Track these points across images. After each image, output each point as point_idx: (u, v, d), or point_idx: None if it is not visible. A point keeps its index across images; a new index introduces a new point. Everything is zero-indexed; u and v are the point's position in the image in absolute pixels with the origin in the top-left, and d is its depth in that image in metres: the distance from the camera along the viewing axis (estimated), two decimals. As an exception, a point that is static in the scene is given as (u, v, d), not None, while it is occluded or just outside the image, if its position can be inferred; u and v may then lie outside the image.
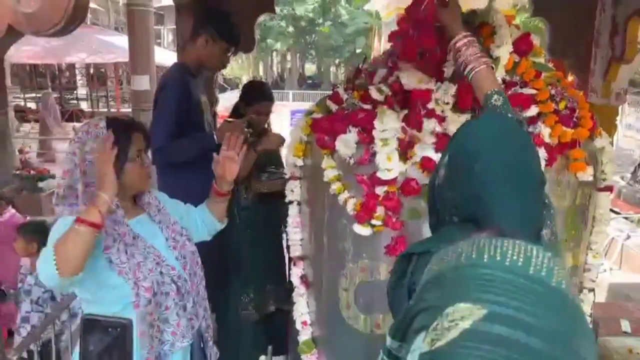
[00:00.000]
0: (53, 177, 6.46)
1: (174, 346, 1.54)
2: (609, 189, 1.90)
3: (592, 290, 2.00)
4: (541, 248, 0.66)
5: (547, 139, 1.62)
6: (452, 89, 1.57)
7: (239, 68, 27.25)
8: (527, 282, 0.61)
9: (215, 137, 2.30)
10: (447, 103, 1.59)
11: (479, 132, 1.03)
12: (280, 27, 24.83)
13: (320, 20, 25.52)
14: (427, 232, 1.71)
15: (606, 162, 1.89)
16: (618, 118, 3.33)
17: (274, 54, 30.12)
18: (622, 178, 9.36)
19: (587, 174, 1.69)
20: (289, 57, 31.07)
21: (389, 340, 0.79)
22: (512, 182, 0.96)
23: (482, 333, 0.57)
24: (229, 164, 1.77)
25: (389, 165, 1.63)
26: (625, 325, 2.85)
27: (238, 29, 2.59)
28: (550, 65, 1.77)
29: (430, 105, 1.60)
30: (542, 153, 1.60)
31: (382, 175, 1.64)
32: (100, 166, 1.42)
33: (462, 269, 0.66)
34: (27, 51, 13.49)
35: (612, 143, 3.17)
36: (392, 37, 1.72)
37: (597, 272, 1.99)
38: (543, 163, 1.61)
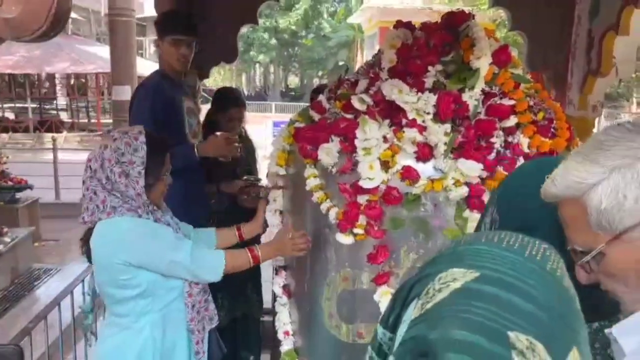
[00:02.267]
0: (31, 188, 6.36)
1: (211, 323, 1.85)
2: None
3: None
4: (539, 240, 0.62)
5: (525, 149, 1.65)
6: (433, 99, 1.59)
7: (222, 79, 27.24)
8: (523, 260, 0.58)
9: (196, 149, 2.30)
10: (428, 113, 1.61)
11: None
12: (263, 39, 24.94)
13: (303, 33, 25.69)
14: (408, 240, 1.73)
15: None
16: (594, 130, 3.40)
17: (257, 65, 30.18)
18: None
19: (564, 184, 1.72)
20: (271, 69, 31.16)
21: (380, 331, 0.73)
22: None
23: (473, 291, 0.54)
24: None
25: (371, 174, 1.65)
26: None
27: (184, 17, 2.54)
28: (529, 77, 1.81)
29: (411, 116, 1.62)
30: (521, 163, 1.63)
31: (364, 184, 1.66)
32: (294, 246, 1.79)
33: (459, 247, 0.63)
34: (6, 60, 13.35)
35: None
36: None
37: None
38: (522, 172, 1.64)
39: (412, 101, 1.61)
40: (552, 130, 1.73)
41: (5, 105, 16.92)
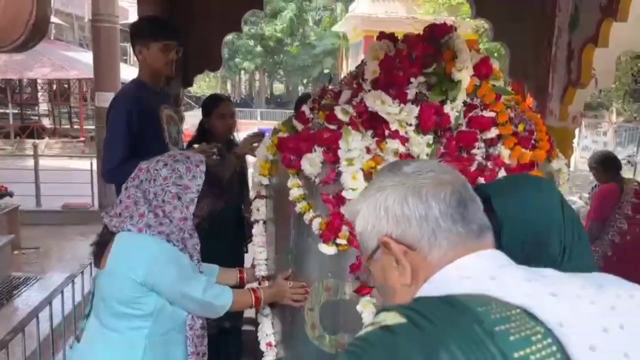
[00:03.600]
0: (11, 195, 6.27)
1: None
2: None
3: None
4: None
5: (507, 160, 1.67)
6: (415, 110, 1.61)
7: (207, 87, 27.17)
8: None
9: None
10: (410, 124, 1.62)
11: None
12: (248, 46, 24.94)
13: (289, 41, 25.75)
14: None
15: (562, 183, 1.95)
16: (575, 140, 3.45)
17: (242, 72, 30.16)
18: (580, 198, 9.68)
19: (545, 194, 1.74)
20: (257, 76, 31.16)
21: None
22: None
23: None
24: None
25: (354, 184, 1.65)
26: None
27: (169, 22, 2.56)
28: (510, 88, 1.83)
29: (394, 127, 1.63)
30: (503, 174, 1.65)
31: (347, 194, 1.66)
32: (293, 295, 1.84)
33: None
34: (-15, 66, 13.17)
35: (568, 164, 3.29)
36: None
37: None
38: (503, 183, 1.65)
39: (394, 112, 1.62)
40: (532, 141, 1.75)
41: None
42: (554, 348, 0.63)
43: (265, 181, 1.98)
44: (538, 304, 0.67)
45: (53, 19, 17.44)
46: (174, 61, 2.43)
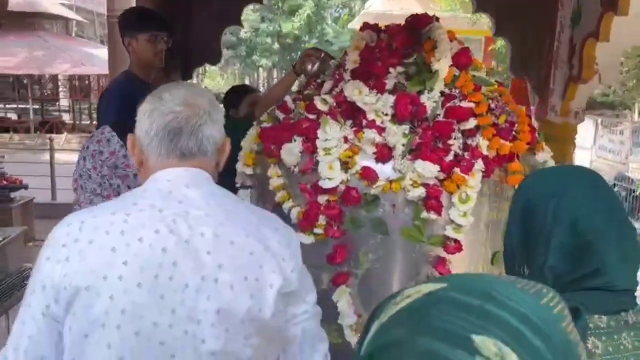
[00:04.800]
0: (26, 187, 6.39)
1: None
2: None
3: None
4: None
5: (484, 151, 1.66)
6: (391, 100, 1.60)
7: (225, 83, 27.33)
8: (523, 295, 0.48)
9: None
10: (386, 114, 1.61)
11: (573, 184, 0.95)
12: (266, 43, 25.00)
13: (306, 38, 25.76)
14: (367, 241, 1.74)
15: (548, 176, 1.93)
16: (590, 138, 3.39)
17: (260, 70, 30.27)
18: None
19: (525, 187, 1.72)
20: (274, 74, 31.25)
21: None
22: (615, 232, 0.91)
23: (440, 297, 0.47)
24: None
25: (331, 174, 1.65)
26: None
27: (155, 13, 2.52)
28: (493, 80, 1.82)
29: (370, 116, 1.63)
30: (480, 165, 1.64)
31: (324, 184, 1.66)
32: None
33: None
34: (6, 61, 13.44)
35: (571, 160, 3.25)
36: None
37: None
38: (481, 175, 1.64)
39: (371, 102, 1.62)
40: (513, 133, 1.74)
41: (8, 106, 17.01)
42: None
43: (250, 171, 2.00)
44: None
45: (74, 15, 17.76)
46: (163, 52, 2.45)
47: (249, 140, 2.01)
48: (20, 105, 16.86)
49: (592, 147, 9.20)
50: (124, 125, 2.25)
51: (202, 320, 0.95)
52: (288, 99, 1.91)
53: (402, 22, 1.91)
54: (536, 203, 0.95)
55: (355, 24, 18.02)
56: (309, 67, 2.16)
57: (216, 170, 1.10)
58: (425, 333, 0.44)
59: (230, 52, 23.13)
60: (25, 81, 17.19)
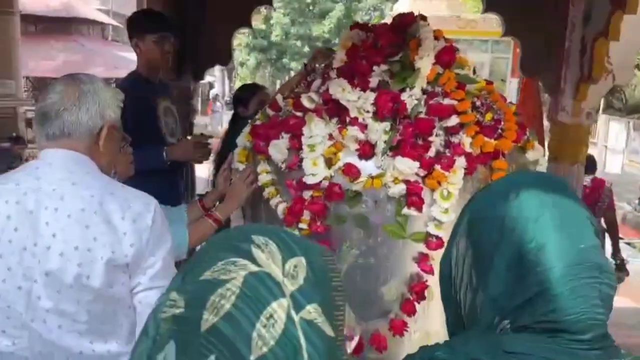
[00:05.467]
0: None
1: None
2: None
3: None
4: None
5: (468, 149, 1.66)
6: (372, 97, 1.63)
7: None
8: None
9: (165, 152, 2.35)
10: (368, 111, 1.64)
11: (534, 215, 0.74)
12: (296, 47, 25.18)
13: (337, 41, 25.81)
14: (351, 237, 1.76)
15: (540, 175, 1.91)
16: (590, 138, 3.33)
17: (291, 73, 30.53)
18: (629, 203, 9.24)
19: (510, 185, 1.71)
20: (306, 77, 31.39)
21: None
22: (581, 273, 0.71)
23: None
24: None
25: (314, 170, 1.68)
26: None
27: (163, 15, 2.59)
28: (486, 83, 1.81)
29: (353, 114, 1.66)
30: (462, 162, 1.64)
31: (307, 179, 1.70)
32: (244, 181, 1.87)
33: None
34: (46, 65, 13.93)
35: (583, 162, 3.19)
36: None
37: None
38: (462, 172, 1.65)
39: (353, 99, 1.65)
40: (499, 130, 1.73)
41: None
42: None
43: (242, 167, 2.04)
44: None
45: (110, 20, 18.27)
46: (170, 53, 2.52)
47: (243, 138, 2.05)
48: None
49: (623, 150, 8.96)
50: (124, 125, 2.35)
51: (38, 280, 1.13)
52: (279, 97, 1.95)
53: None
54: (480, 221, 0.79)
55: (384, 27, 18.01)
56: (319, 66, 2.22)
57: (100, 152, 1.25)
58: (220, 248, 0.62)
59: (261, 55, 23.39)
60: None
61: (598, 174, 4.32)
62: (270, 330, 0.55)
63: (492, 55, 13.39)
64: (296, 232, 1.75)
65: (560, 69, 3.14)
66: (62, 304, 1.14)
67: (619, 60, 3.08)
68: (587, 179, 3.72)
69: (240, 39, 24.06)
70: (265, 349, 0.54)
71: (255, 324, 0.55)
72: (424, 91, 1.67)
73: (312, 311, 0.57)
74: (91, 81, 1.24)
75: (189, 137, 2.61)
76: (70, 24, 15.75)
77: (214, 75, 21.48)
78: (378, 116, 1.63)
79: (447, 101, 1.65)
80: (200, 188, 3.40)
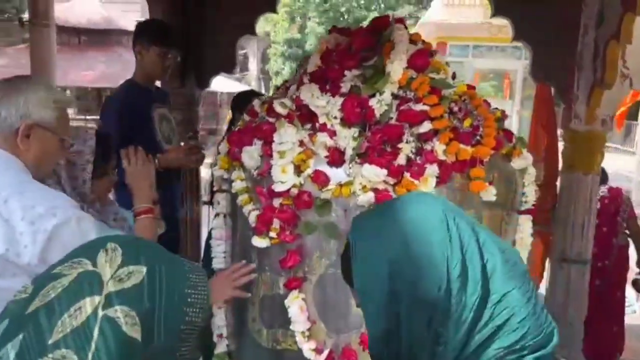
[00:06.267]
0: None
1: None
2: (531, 212, 1.82)
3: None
4: None
5: (441, 156, 1.58)
6: (339, 103, 1.57)
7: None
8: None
9: (157, 159, 2.35)
10: (336, 117, 1.59)
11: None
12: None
13: (372, 50, 25.76)
14: (321, 246, 1.70)
15: (528, 184, 1.82)
16: (606, 146, 3.15)
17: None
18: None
19: (488, 194, 1.63)
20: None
21: None
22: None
23: None
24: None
25: (283, 177, 1.64)
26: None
27: (169, 28, 2.61)
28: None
29: (322, 120, 1.61)
30: (434, 170, 1.57)
31: (276, 187, 1.65)
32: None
33: None
34: (85, 75, 14.44)
35: (598, 172, 3.02)
36: None
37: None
38: (434, 180, 1.57)
39: (322, 105, 1.60)
40: (478, 137, 1.65)
41: (89, 117, 18.16)
42: None
43: (225, 175, 2.02)
44: None
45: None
46: (170, 67, 2.56)
47: (225, 144, 2.03)
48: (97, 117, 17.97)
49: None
50: (116, 133, 2.37)
51: None
52: (256, 102, 1.92)
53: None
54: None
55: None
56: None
57: (21, 151, 1.29)
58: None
59: (295, 64, 23.56)
60: (103, 95, 18.33)
61: (636, 184, 4.12)
62: (73, 321, 0.64)
63: (525, 62, 13.06)
64: (266, 241, 1.72)
65: (573, 74, 3.00)
66: None
67: (637, 65, 2.93)
68: (603, 189, 3.54)
69: (276, 48, 24.29)
70: (61, 335, 0.64)
71: (64, 314, 0.65)
72: (395, 96, 1.61)
73: (118, 311, 0.66)
74: (22, 82, 1.27)
75: (182, 144, 2.61)
76: (110, 35, 16.25)
77: (251, 85, 21.76)
78: (346, 122, 1.58)
79: (419, 107, 1.58)
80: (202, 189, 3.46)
